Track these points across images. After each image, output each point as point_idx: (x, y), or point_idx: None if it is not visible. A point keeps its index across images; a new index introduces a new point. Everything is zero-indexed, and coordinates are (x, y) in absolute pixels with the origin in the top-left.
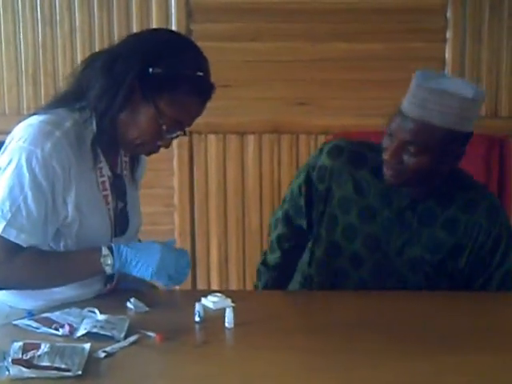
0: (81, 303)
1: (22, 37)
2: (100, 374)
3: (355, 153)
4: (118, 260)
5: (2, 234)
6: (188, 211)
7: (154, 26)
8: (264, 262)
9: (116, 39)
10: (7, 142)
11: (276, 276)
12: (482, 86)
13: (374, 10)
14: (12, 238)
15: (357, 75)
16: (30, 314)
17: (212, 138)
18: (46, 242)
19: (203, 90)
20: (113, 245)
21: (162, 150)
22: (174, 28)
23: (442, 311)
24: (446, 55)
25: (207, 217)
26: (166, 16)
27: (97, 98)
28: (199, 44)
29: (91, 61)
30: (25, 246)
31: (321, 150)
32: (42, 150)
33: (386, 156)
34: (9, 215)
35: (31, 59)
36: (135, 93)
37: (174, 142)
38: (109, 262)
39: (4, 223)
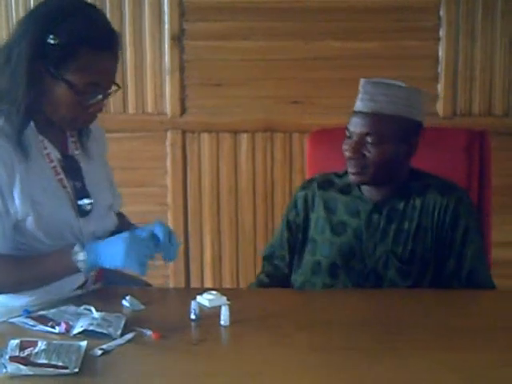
0: (77, 301)
1: None
2: (97, 372)
3: (324, 179)
4: (90, 255)
5: None
6: (181, 210)
7: (147, 25)
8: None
9: None
10: None
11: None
12: (475, 85)
13: (368, 8)
14: None
15: (350, 74)
16: (27, 312)
17: (205, 136)
18: (4, 243)
19: (104, 44)
20: (85, 242)
21: (155, 148)
22: (167, 27)
23: (440, 309)
24: (440, 53)
25: (200, 215)
26: (159, 15)
27: (6, 92)
28: (192, 43)
29: None
30: None
31: (296, 192)
32: None
33: (347, 153)
34: None
35: None
36: (42, 73)
37: (167, 141)
38: (81, 257)
39: None
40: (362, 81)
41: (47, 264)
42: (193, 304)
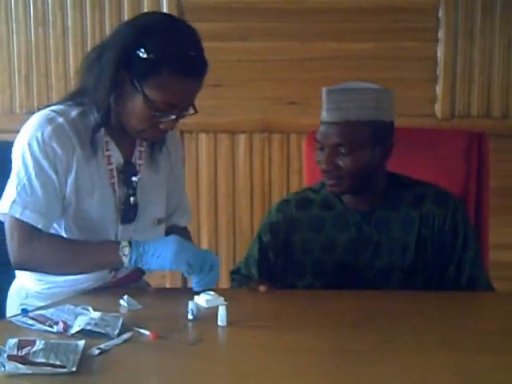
0: (75, 300)
1: (14, 37)
2: (94, 371)
3: (300, 199)
4: (135, 251)
5: (9, 213)
6: None
7: None
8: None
9: None
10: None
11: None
12: (474, 86)
13: (366, 9)
14: (17, 215)
15: (348, 75)
16: (25, 311)
17: (203, 137)
18: (51, 220)
19: (189, 69)
20: (132, 240)
21: None
22: None
23: (439, 311)
24: (438, 55)
25: (198, 215)
26: None
27: (91, 89)
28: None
29: (88, 55)
30: (35, 224)
31: (268, 213)
32: (42, 134)
33: (322, 166)
34: (15, 195)
35: (24, 59)
36: (125, 81)
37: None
38: (126, 252)
39: (10, 203)
40: (324, 90)
41: (94, 249)
42: (190, 304)
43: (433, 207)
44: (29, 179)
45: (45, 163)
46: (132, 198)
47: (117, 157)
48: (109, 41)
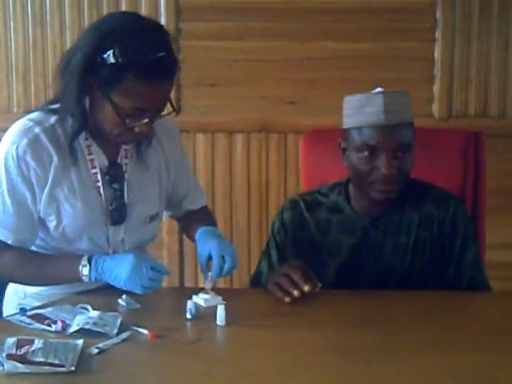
0: (73, 299)
1: (12, 36)
2: (93, 370)
3: (310, 200)
4: (94, 271)
5: None
6: None
7: None
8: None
9: None
10: None
11: None
12: (471, 86)
13: (364, 9)
14: None
15: (346, 74)
16: (23, 310)
17: (200, 136)
18: (23, 235)
19: (155, 72)
20: (93, 256)
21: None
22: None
23: (438, 310)
24: (435, 55)
25: None
26: (156, 15)
27: (62, 97)
28: (188, 43)
29: (60, 61)
30: (5, 240)
31: (279, 213)
32: (16, 148)
33: (384, 171)
34: None
35: (22, 59)
36: (93, 88)
37: None
38: (86, 272)
39: None
40: (371, 94)
41: (57, 265)
42: (189, 303)
43: (432, 209)
44: (1, 196)
45: (18, 180)
46: (120, 199)
47: (101, 159)
48: (75, 46)
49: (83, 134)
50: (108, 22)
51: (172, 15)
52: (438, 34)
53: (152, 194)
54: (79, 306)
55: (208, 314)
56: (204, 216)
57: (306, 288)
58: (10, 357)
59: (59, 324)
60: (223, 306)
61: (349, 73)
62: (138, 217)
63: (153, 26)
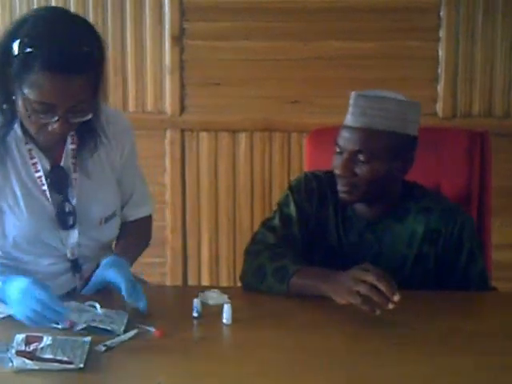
0: (81, 297)
1: None
2: (101, 368)
3: (330, 182)
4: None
5: None
6: (180, 208)
7: (148, 25)
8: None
9: (110, 38)
10: None
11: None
12: (475, 86)
13: (368, 8)
14: None
15: (349, 74)
16: None
17: (204, 135)
18: None
19: (61, 65)
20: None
21: (154, 147)
22: (167, 27)
23: (441, 312)
24: (440, 54)
25: (199, 214)
26: (160, 15)
27: None
28: (192, 43)
29: None
30: None
31: (301, 178)
32: None
33: (338, 171)
34: None
35: None
36: (10, 81)
37: (166, 140)
38: None
39: None
40: (353, 94)
41: None
42: (195, 302)
43: (439, 223)
44: None
45: None
46: (67, 203)
47: (43, 163)
48: None
49: (23, 139)
50: (25, 14)
51: (176, 15)
52: (442, 34)
53: (106, 195)
54: (87, 303)
55: (214, 312)
56: (136, 232)
57: (396, 298)
58: (19, 353)
59: (67, 321)
60: (229, 304)
61: (353, 72)
62: (92, 220)
63: (72, 20)
